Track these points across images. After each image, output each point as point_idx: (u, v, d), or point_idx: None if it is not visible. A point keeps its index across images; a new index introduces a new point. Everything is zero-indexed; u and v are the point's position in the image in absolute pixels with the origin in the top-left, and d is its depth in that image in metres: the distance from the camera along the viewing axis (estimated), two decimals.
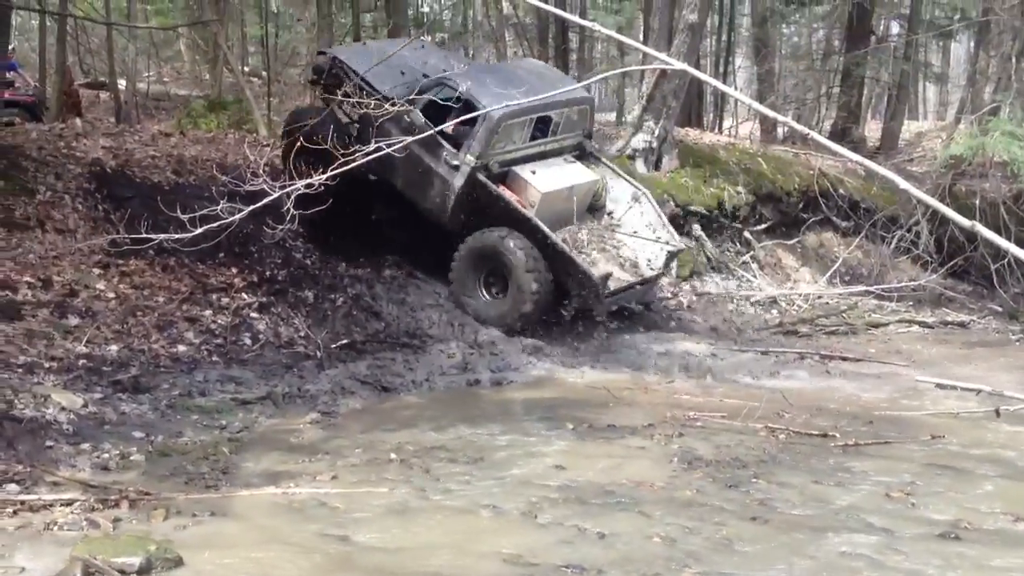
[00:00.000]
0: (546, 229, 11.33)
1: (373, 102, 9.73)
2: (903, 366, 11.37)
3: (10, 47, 16.24)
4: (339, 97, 11.23)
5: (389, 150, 7.38)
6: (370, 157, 6.99)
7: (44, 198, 11.41)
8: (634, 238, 12.40)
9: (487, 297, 11.68)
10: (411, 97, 11.40)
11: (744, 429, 8.29)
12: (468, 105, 11.15)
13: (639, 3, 24.61)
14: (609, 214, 12.72)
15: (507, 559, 5.52)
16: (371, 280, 11.70)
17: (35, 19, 21.93)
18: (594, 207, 12.67)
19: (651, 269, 12.26)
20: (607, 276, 11.30)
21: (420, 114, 11.38)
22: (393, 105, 11.43)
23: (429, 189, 11.78)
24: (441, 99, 11.40)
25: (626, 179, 12.98)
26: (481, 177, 11.52)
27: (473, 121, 11.27)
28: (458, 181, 11.59)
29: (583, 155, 12.81)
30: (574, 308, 11.57)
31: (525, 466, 7.32)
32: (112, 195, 11.95)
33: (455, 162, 11.53)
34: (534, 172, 11.91)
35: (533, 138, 12.24)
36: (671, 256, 12.54)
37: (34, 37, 22.91)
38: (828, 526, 6.19)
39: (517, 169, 11.88)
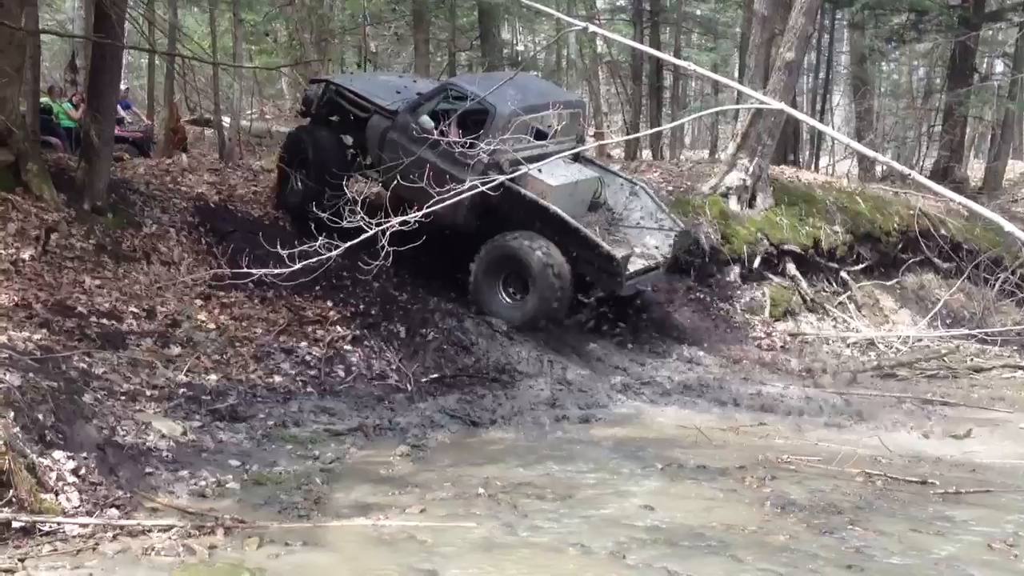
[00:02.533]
0: (567, 217, 11.53)
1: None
2: (1007, 413, 10.99)
3: (123, 86, 16.92)
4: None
5: (482, 187, 7.42)
6: (461, 195, 7.07)
7: (150, 231, 11.83)
8: (638, 228, 12.73)
9: (508, 300, 11.85)
10: (418, 102, 12.04)
11: (839, 474, 8.09)
12: (475, 109, 11.40)
13: (734, 41, 24.53)
14: (609, 210, 12.98)
15: None
16: (461, 315, 11.79)
17: (145, 58, 22.81)
18: (595, 204, 12.93)
19: (661, 255, 12.50)
20: (628, 256, 11.62)
21: (428, 119, 11.74)
22: (391, 114, 12.22)
23: (439, 192, 11.79)
24: (448, 105, 11.86)
25: (621, 176, 13.37)
26: (494, 174, 11.65)
27: (481, 123, 11.54)
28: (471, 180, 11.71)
29: (576, 157, 13.03)
30: (596, 297, 11.80)
31: (613, 505, 7.25)
32: (215, 229, 12.34)
33: (467, 161, 11.54)
34: (540, 170, 12.04)
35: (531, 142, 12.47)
36: (678, 238, 12.76)
37: (144, 76, 23.81)
38: None
39: (524, 168, 12.05)
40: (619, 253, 11.58)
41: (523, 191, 11.69)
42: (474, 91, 11.62)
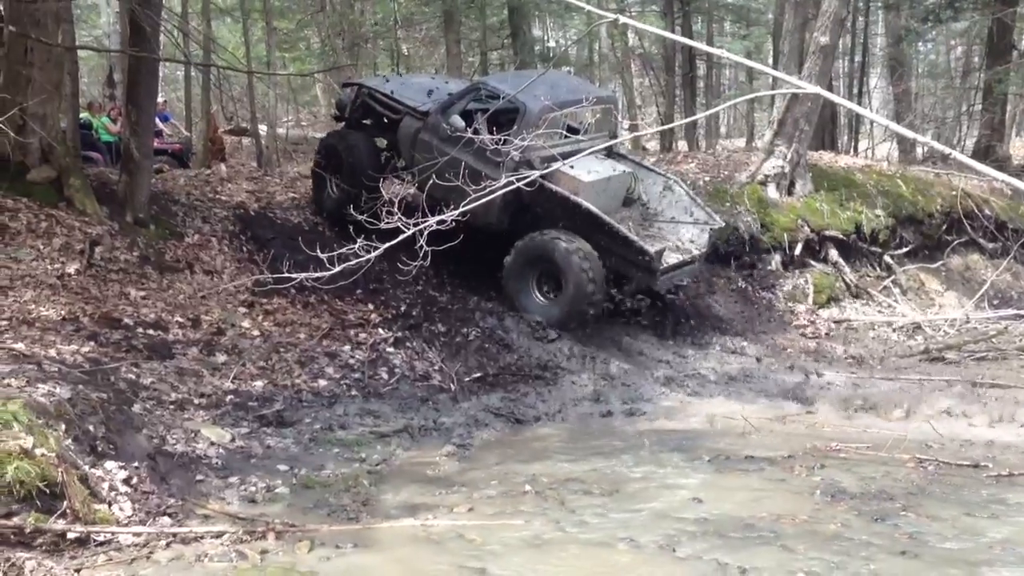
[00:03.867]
0: (600, 213, 11.46)
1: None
2: None
3: (161, 99, 17.13)
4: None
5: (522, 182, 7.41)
6: (498, 192, 7.07)
7: (192, 241, 11.96)
8: (673, 223, 12.63)
9: (541, 299, 11.79)
10: (449, 102, 12.01)
11: (890, 460, 8.00)
12: (507, 107, 11.37)
13: (767, 28, 24.33)
14: (644, 205, 12.88)
15: None
16: (501, 313, 11.80)
17: (181, 70, 23.08)
18: (628, 200, 12.83)
19: (697, 249, 12.37)
20: (662, 251, 11.48)
21: (459, 119, 11.69)
22: (423, 114, 12.30)
23: (472, 191, 11.70)
24: (479, 104, 11.79)
25: (655, 171, 13.23)
26: (526, 172, 11.59)
27: (512, 121, 11.49)
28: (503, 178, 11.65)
29: (610, 153, 12.94)
30: (631, 293, 11.68)
31: (661, 498, 7.22)
32: (255, 236, 12.46)
33: (499, 160, 11.56)
34: (572, 167, 11.96)
35: (564, 138, 12.41)
36: (715, 234, 12.73)
37: (180, 87, 24.10)
38: (982, 560, 5.90)
39: (556, 164, 11.97)
40: (653, 248, 11.50)
41: (555, 188, 11.66)
42: (505, 90, 11.63)
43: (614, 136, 13.10)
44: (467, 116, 11.89)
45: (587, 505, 7.00)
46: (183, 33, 16.29)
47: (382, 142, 13.21)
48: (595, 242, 11.51)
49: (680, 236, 12.54)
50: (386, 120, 13.06)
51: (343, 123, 13.87)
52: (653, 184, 12.95)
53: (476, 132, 10.41)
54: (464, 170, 11.74)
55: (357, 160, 12.90)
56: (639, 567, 5.88)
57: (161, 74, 18.79)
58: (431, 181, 8.80)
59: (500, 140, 11.02)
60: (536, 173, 7.88)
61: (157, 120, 14.87)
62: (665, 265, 11.57)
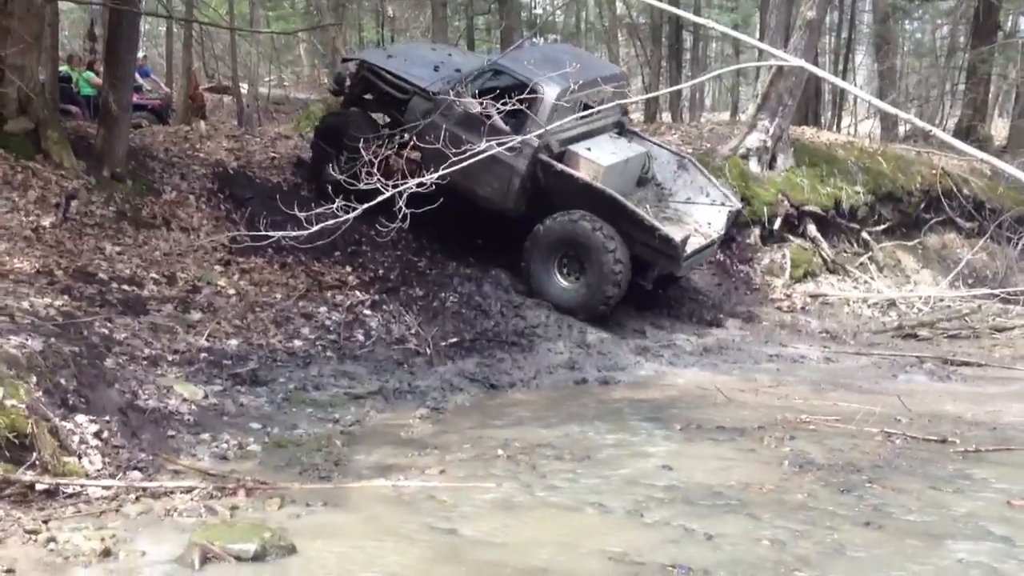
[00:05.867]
0: (623, 200, 11.31)
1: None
2: None
3: (142, 54, 16.94)
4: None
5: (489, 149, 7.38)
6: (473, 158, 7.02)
7: (170, 197, 11.88)
8: (688, 204, 12.42)
9: (564, 283, 11.59)
10: (464, 85, 11.57)
11: (859, 433, 8.07)
12: (523, 88, 10.58)
13: (755, 1, 24.26)
14: (658, 185, 12.71)
15: (612, 557, 5.49)
16: (480, 279, 11.80)
17: (163, 25, 22.82)
18: (642, 180, 12.65)
19: (714, 231, 12.20)
20: (687, 238, 11.29)
21: (475, 102, 11.25)
22: (433, 95, 11.75)
23: (487, 176, 11.46)
24: (495, 85, 11.34)
25: (669, 149, 13.07)
26: (545, 157, 11.51)
27: (527, 104, 11.23)
28: (521, 164, 11.52)
29: (622, 131, 12.81)
30: (652, 279, 11.59)
31: (632, 465, 7.27)
32: (234, 195, 12.39)
33: (517, 145, 11.45)
34: (589, 149, 11.85)
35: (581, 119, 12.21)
36: (733, 215, 12.52)
37: (162, 43, 23.86)
38: (945, 533, 5.98)
39: (573, 148, 11.83)
40: (678, 236, 11.25)
41: (576, 173, 11.47)
42: (521, 72, 11.26)
43: (625, 113, 12.94)
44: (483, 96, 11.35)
45: (558, 470, 7.04)
46: None
47: (382, 118, 12.92)
48: (617, 228, 11.28)
49: (696, 217, 12.30)
50: (390, 98, 12.63)
51: (342, 97, 13.50)
52: (667, 163, 12.75)
53: (489, 116, 10.26)
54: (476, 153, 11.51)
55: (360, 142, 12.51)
56: (607, 531, 5.93)
57: (143, 29, 18.57)
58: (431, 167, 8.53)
59: (517, 125, 10.86)
60: (519, 138, 7.84)
61: (137, 75, 14.70)
62: (688, 251, 11.37)
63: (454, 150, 6.55)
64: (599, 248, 11.21)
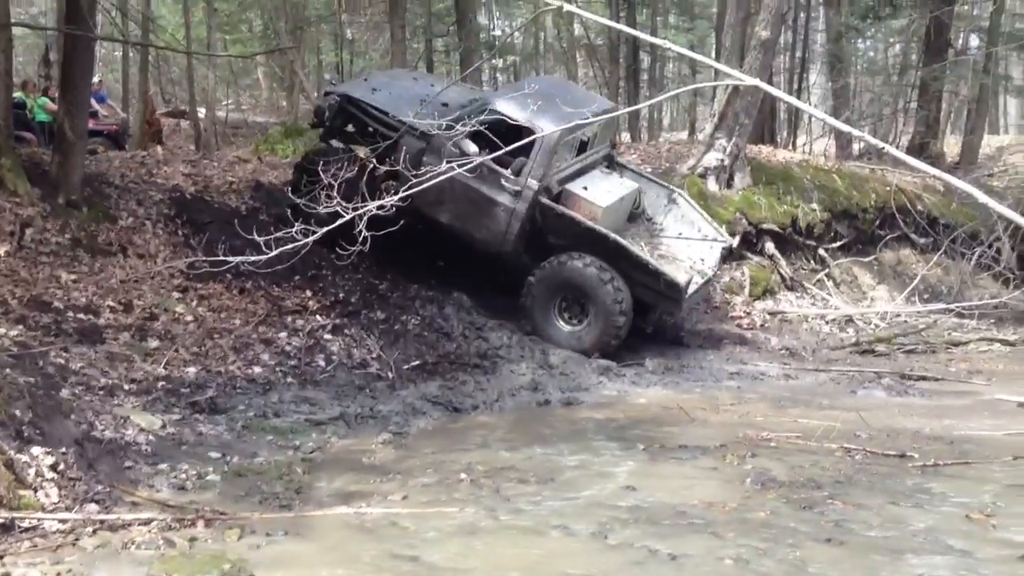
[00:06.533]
0: (627, 244, 11.27)
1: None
2: (984, 385, 11.08)
3: (97, 78, 16.79)
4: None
5: (455, 171, 7.40)
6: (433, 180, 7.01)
7: (126, 224, 11.75)
8: (680, 240, 12.37)
9: (566, 326, 11.51)
10: (462, 126, 11.10)
11: (819, 450, 8.14)
12: (520, 129, 10.30)
13: (711, 21, 24.54)
14: (649, 220, 12.68)
15: None
16: (441, 301, 11.78)
17: (119, 50, 22.64)
18: (633, 215, 12.62)
19: (708, 269, 12.18)
20: (690, 281, 11.27)
21: (471, 143, 11.08)
22: (425, 135, 11.30)
23: (485, 219, 11.55)
24: (489, 125, 10.75)
25: (658, 183, 13.03)
26: (545, 200, 11.46)
27: (518, 136, 11.13)
28: (522, 207, 11.42)
29: (611, 164, 12.80)
30: (654, 321, 11.59)
31: (595, 487, 7.28)
32: (191, 220, 12.27)
33: (516, 188, 11.37)
34: (585, 188, 11.79)
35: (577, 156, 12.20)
36: (725, 252, 12.53)
37: (117, 68, 23.65)
38: (906, 548, 6.03)
39: (569, 187, 11.77)
40: (682, 279, 11.25)
41: (574, 215, 11.39)
42: (516, 115, 10.57)
43: (613, 145, 12.88)
44: (474, 138, 11.06)
45: (522, 493, 7.03)
46: (121, 11, 16.01)
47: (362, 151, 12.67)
48: (617, 269, 11.24)
49: (690, 254, 12.26)
50: (375, 132, 12.24)
51: (322, 130, 13.05)
52: (656, 197, 12.72)
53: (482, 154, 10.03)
54: (470, 197, 11.29)
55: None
56: (571, 554, 5.92)
57: (98, 54, 18.43)
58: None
59: (516, 166, 10.80)
60: (480, 159, 7.82)
61: (93, 100, 14.57)
62: (689, 293, 11.33)
63: (448, 190, 6.52)
64: (604, 293, 11.15)
